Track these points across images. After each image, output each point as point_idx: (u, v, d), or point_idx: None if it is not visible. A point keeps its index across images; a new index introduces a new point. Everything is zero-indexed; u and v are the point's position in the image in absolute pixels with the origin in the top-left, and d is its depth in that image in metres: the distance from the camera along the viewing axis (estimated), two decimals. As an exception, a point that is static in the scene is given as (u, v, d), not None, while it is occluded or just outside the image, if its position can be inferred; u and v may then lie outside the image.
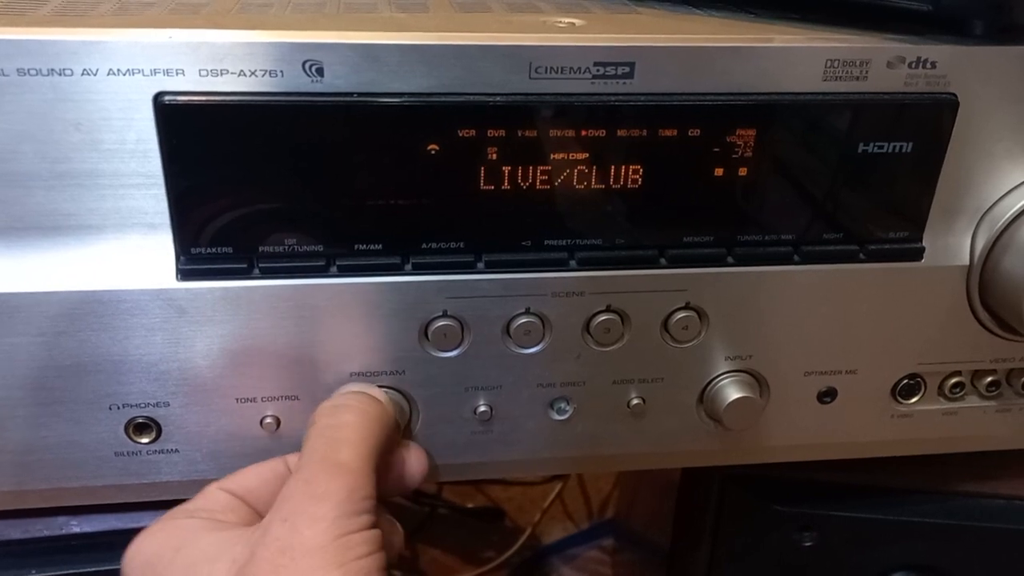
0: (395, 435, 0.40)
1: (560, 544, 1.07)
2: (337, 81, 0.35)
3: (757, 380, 0.44)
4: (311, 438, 0.37)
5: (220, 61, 0.34)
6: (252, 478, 0.39)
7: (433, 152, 0.37)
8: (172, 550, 0.35)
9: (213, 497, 0.38)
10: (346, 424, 0.37)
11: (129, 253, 0.37)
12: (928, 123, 0.39)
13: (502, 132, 0.37)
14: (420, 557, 1.02)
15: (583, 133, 0.37)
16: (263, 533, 0.34)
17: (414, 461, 0.42)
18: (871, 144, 0.39)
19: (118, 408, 0.40)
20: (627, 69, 0.36)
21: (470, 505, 1.05)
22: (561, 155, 0.38)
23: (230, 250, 0.37)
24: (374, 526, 0.35)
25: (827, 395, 0.45)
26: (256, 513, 0.38)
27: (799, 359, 0.44)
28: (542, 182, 0.38)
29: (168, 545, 0.36)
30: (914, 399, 0.47)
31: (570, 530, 1.08)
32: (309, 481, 0.35)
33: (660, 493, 0.66)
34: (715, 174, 0.39)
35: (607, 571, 1.03)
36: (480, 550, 1.02)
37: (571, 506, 1.08)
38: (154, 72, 0.34)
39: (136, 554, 0.36)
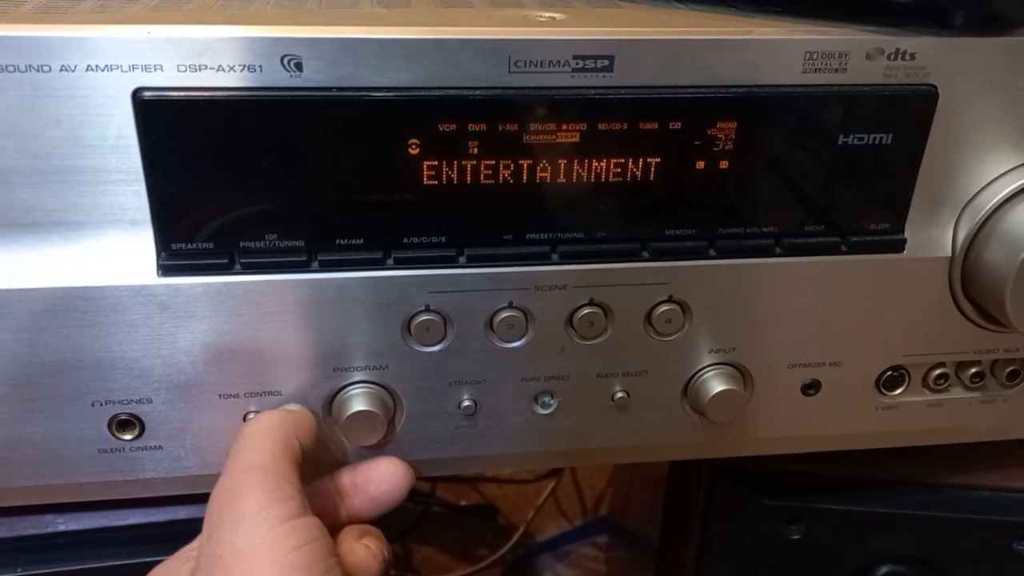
0: (315, 427, 0.40)
1: (554, 541, 1.07)
2: (316, 76, 0.35)
3: (741, 373, 0.44)
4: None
5: (198, 57, 0.34)
6: None
7: (414, 146, 0.37)
8: None
9: None
10: (247, 434, 0.38)
11: (110, 249, 0.37)
12: (908, 115, 0.39)
13: (482, 126, 0.37)
14: (414, 555, 1.02)
15: (563, 126, 0.37)
16: (196, 559, 0.34)
17: (395, 474, 0.42)
18: (851, 136, 0.39)
19: (101, 404, 0.40)
20: (607, 62, 0.37)
21: (463, 503, 1.05)
22: (542, 149, 0.38)
23: (211, 245, 0.37)
24: (304, 514, 0.34)
25: (811, 387, 0.45)
26: None
27: (783, 351, 0.44)
28: (523, 176, 0.38)
29: None
30: (898, 391, 0.47)
31: (564, 527, 1.08)
32: (221, 491, 0.35)
33: (653, 489, 0.66)
34: (696, 167, 0.39)
35: (600, 568, 1.03)
36: (474, 548, 1.02)
37: (565, 503, 1.08)
38: (132, 68, 0.34)
39: None
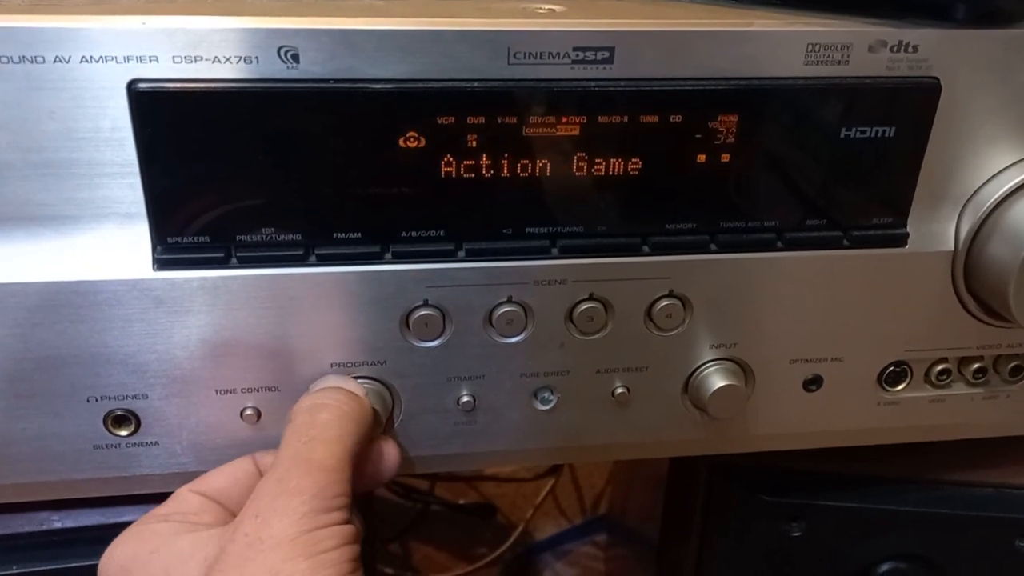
0: (372, 430, 0.40)
1: (553, 540, 1.06)
2: (313, 67, 0.35)
3: (742, 368, 0.44)
4: (287, 437, 0.37)
5: (194, 48, 0.34)
6: (222, 478, 0.39)
7: (412, 139, 0.36)
8: (147, 553, 0.36)
9: (185, 500, 0.39)
10: (322, 423, 0.37)
11: (105, 243, 0.37)
12: (910, 107, 0.39)
13: (481, 119, 0.36)
14: (412, 554, 1.01)
15: (563, 119, 0.37)
16: (234, 530, 0.34)
17: (388, 455, 0.41)
18: (853, 129, 0.39)
19: (96, 400, 0.39)
20: (607, 54, 0.36)
21: (462, 501, 1.05)
22: (541, 141, 0.37)
23: (207, 239, 0.37)
24: (347, 523, 0.35)
25: (813, 383, 0.45)
26: (229, 513, 0.38)
27: (784, 347, 0.44)
28: (522, 169, 0.38)
29: (143, 548, 0.36)
30: (901, 386, 0.47)
31: (563, 526, 1.07)
32: (281, 479, 0.35)
33: (653, 487, 0.66)
34: (697, 160, 0.39)
35: (600, 566, 1.03)
36: (473, 546, 1.02)
37: (564, 502, 1.08)
38: (127, 59, 0.34)
39: (110, 560, 0.36)
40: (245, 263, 0.38)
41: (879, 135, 0.39)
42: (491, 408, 0.43)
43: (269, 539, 0.33)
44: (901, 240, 0.42)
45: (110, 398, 0.39)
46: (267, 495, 0.35)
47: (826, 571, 0.54)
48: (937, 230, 0.42)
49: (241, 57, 0.34)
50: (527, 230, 0.39)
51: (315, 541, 0.33)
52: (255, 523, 0.34)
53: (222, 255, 0.37)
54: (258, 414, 0.41)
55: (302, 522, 0.34)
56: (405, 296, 0.39)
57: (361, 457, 0.40)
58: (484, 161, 0.37)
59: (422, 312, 0.40)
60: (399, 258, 0.39)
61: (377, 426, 0.41)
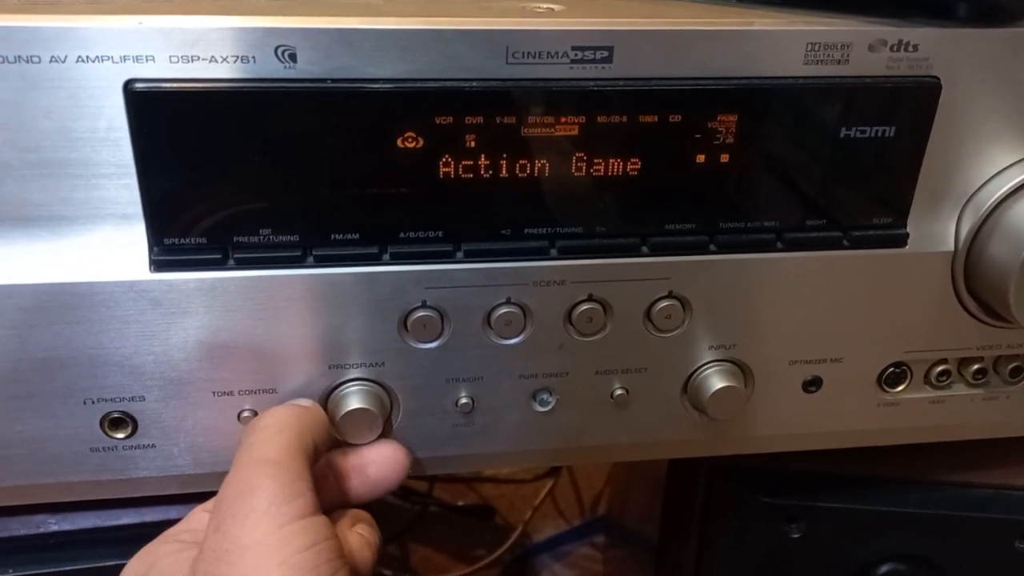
0: (326, 428, 0.39)
1: (551, 541, 1.06)
2: (310, 67, 0.34)
3: (741, 369, 0.44)
4: (234, 457, 0.36)
5: (191, 47, 0.34)
6: None
7: (410, 139, 0.36)
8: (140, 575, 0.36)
9: (196, 518, 0.38)
10: (261, 428, 0.37)
11: (102, 244, 0.36)
12: (911, 107, 0.39)
13: (479, 118, 0.36)
14: (411, 555, 1.01)
15: (562, 119, 0.37)
16: (200, 549, 0.33)
17: (396, 459, 0.41)
18: (853, 128, 0.39)
19: (93, 402, 0.39)
20: (606, 53, 0.36)
21: (461, 503, 1.05)
22: (540, 142, 0.37)
23: (204, 240, 0.37)
24: (315, 512, 0.34)
25: (812, 384, 0.45)
26: None
27: (783, 348, 0.44)
28: (521, 169, 0.38)
29: (141, 568, 0.36)
30: (900, 387, 0.46)
31: (561, 527, 1.07)
32: (231, 484, 0.34)
33: (652, 488, 0.66)
34: (696, 160, 0.39)
35: (598, 568, 1.03)
36: (471, 548, 1.01)
37: (562, 503, 1.07)
38: (124, 59, 0.33)
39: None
40: (242, 264, 0.37)
41: (879, 135, 0.39)
42: (490, 410, 0.43)
43: (235, 549, 0.32)
44: (901, 240, 0.42)
45: (107, 400, 0.39)
46: (223, 506, 0.34)
47: (826, 572, 0.54)
48: (937, 230, 0.42)
49: (238, 57, 0.34)
50: (526, 231, 0.39)
51: (285, 541, 0.32)
52: (217, 537, 0.33)
53: (219, 256, 0.37)
54: (255, 416, 0.40)
55: (264, 519, 0.32)
56: (403, 297, 0.39)
57: (366, 462, 0.40)
58: (482, 161, 0.37)
59: (420, 313, 0.40)
60: (397, 259, 0.38)
61: (376, 428, 0.41)
